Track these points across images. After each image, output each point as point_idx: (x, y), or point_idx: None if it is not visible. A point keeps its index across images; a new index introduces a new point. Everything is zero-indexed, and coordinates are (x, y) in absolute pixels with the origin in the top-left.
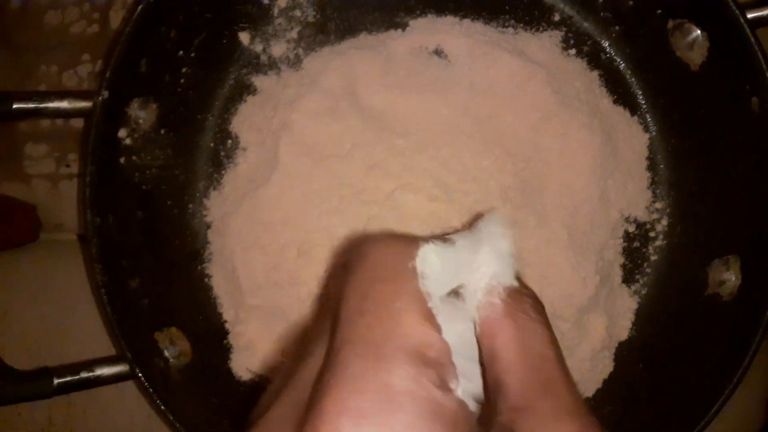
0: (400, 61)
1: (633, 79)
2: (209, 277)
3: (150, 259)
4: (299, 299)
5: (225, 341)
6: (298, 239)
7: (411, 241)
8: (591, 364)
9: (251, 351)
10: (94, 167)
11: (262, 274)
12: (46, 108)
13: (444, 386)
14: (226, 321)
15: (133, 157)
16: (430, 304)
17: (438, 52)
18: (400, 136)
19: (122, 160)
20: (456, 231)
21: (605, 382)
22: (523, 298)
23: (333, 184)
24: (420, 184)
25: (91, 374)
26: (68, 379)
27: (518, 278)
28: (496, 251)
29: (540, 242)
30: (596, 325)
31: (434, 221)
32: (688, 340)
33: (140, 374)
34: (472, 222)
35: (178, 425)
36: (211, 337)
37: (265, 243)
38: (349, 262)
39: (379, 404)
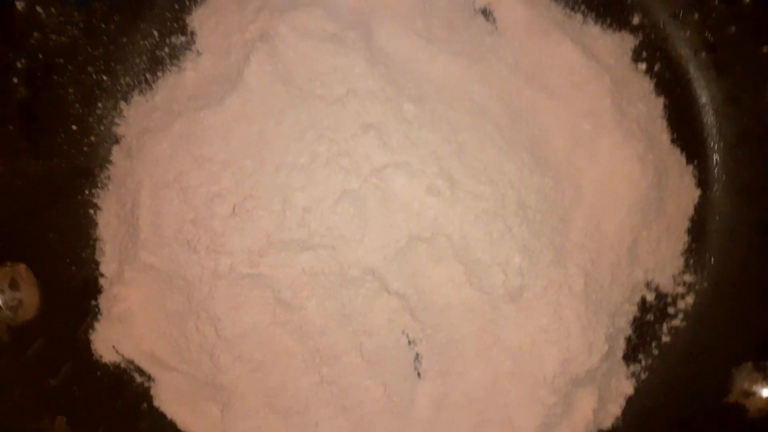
0: (437, 7)
1: (707, 119)
2: (97, 209)
3: (19, 154)
4: (214, 274)
5: (93, 302)
6: (239, 192)
7: None
8: None
9: (126, 326)
10: None
11: (172, 225)
12: None
13: None
14: (102, 275)
15: (38, 8)
16: None
17: (486, 13)
18: (412, 100)
19: (21, 5)
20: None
21: None
22: None
23: (309, 133)
24: (421, 167)
25: None
26: None
27: None
28: None
29: (551, 284)
30: (584, 404)
31: (425, 221)
32: None
33: None
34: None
35: None
36: (75, 292)
37: (191, 185)
38: None
39: None
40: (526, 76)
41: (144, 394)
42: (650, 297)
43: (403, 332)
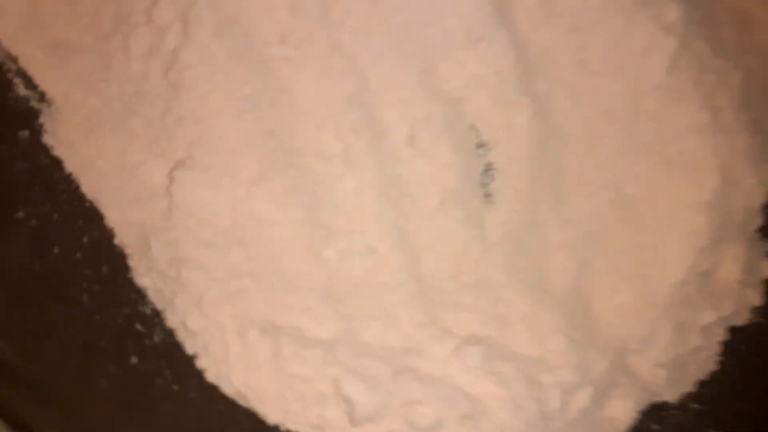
0: None
1: None
2: None
3: None
4: None
5: None
6: None
7: None
8: None
9: None
10: None
11: None
12: None
13: None
14: None
15: None
16: None
17: None
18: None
19: None
20: None
21: None
22: None
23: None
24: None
25: None
26: None
27: None
28: None
29: (706, 70)
30: (727, 271)
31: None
32: None
33: None
34: None
35: None
36: None
37: None
38: None
39: None
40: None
41: (29, 120)
42: None
43: (472, 127)
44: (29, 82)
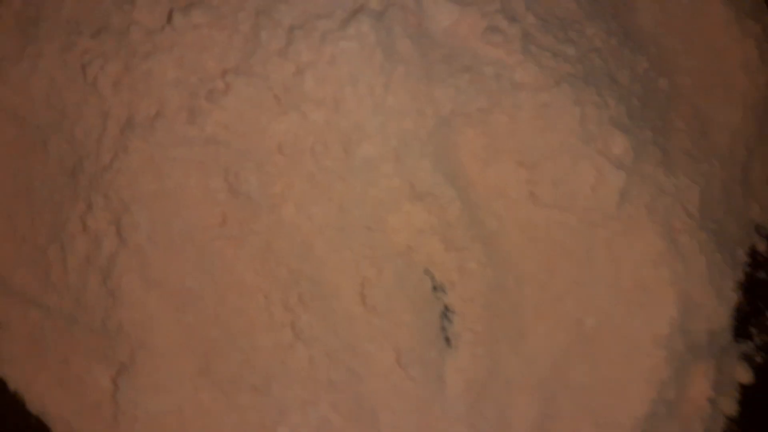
0: None
1: None
2: None
3: None
4: (126, 124)
5: None
6: None
7: None
8: None
9: None
10: None
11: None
12: None
13: None
14: None
15: None
16: None
17: None
18: None
19: None
20: None
21: None
22: None
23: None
24: None
25: None
26: None
27: None
28: None
29: (660, 194)
30: (697, 389)
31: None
32: None
33: None
34: None
35: None
36: None
37: None
38: None
39: None
40: None
41: None
42: (762, 246)
43: (427, 272)
44: None
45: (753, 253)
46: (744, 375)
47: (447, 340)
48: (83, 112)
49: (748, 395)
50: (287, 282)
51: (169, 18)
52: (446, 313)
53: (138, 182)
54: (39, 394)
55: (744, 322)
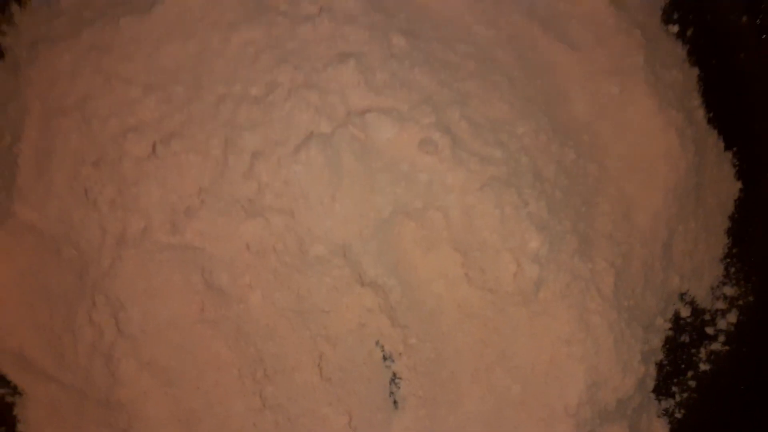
0: None
1: (749, 96)
2: None
3: None
4: (119, 242)
5: None
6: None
7: None
8: None
9: None
10: None
11: (66, 167)
12: None
13: None
14: None
15: None
16: None
17: None
18: (402, 32)
19: None
20: None
21: None
22: None
23: (266, 56)
24: (413, 115)
25: None
26: None
27: None
28: None
29: (575, 281)
30: None
31: (416, 187)
32: None
33: None
34: None
35: None
36: None
37: (97, 113)
38: None
39: None
40: (542, 21)
41: (4, 415)
42: (685, 312)
43: (378, 343)
44: (2, 380)
45: (677, 319)
46: (661, 430)
47: (395, 402)
48: (86, 226)
49: None
50: (255, 358)
51: (154, 148)
52: (395, 379)
53: (131, 283)
54: None
55: (667, 381)
